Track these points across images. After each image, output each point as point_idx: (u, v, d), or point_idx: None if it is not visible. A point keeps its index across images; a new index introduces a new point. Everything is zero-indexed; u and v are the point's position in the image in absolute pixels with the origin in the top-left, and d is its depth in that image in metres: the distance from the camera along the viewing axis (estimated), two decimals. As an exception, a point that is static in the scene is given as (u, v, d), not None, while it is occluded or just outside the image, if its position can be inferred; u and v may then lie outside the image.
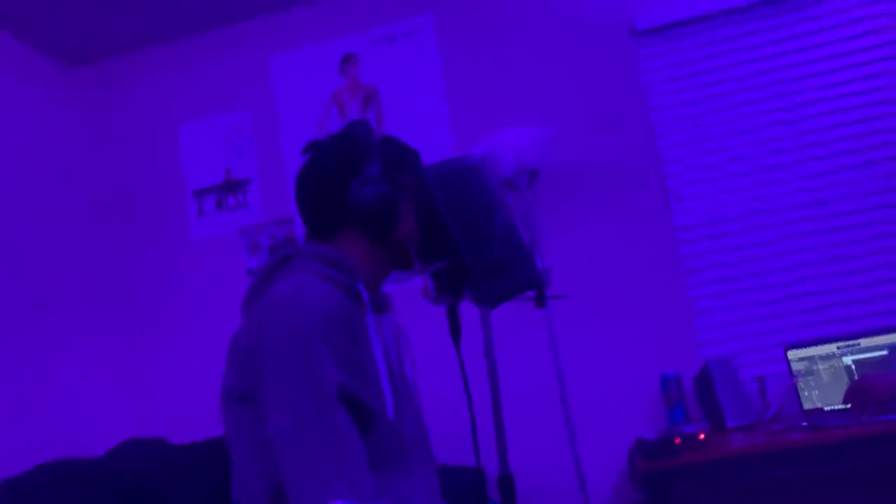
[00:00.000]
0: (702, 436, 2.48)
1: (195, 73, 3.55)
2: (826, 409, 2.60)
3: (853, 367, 2.62)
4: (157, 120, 3.57)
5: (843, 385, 2.56)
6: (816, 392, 2.64)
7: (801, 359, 2.67)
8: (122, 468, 2.28)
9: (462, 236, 1.36)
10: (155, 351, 3.37)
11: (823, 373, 2.64)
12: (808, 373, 2.65)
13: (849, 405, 2.20)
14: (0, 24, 3.19)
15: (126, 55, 3.64)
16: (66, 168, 3.49)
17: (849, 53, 2.96)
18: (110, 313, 3.48)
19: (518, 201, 2.89)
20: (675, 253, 3.00)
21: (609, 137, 3.10)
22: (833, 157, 2.93)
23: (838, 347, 2.65)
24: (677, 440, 2.46)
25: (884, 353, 2.60)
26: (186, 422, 2.55)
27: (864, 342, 2.63)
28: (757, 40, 3.03)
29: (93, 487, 2.13)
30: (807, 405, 2.63)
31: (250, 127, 3.45)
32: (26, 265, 3.13)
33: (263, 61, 3.47)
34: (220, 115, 3.49)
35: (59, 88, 3.57)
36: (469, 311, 1.48)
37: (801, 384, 2.65)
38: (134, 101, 3.61)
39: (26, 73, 3.38)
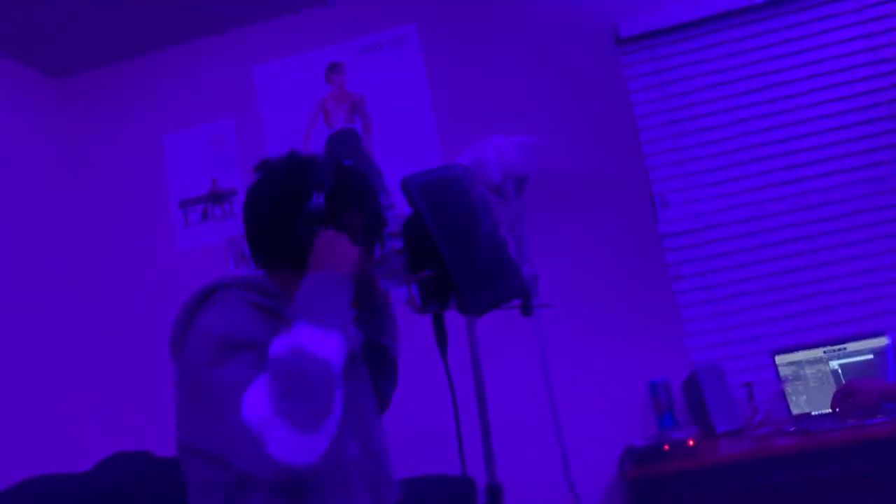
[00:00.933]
0: (691, 442, 2.48)
1: (179, 82, 3.54)
2: (814, 413, 2.60)
3: (840, 371, 2.62)
4: (141, 130, 3.55)
5: (830, 389, 2.56)
6: (804, 397, 2.64)
7: (789, 364, 2.68)
8: (106, 483, 2.27)
9: (447, 245, 1.35)
10: (143, 362, 3.34)
11: (811, 377, 2.65)
12: (796, 378, 2.66)
13: (836, 409, 2.20)
14: (-19, 35, 3.17)
15: (109, 65, 3.62)
16: (49, 180, 3.46)
17: (829, 59, 2.97)
18: (98, 326, 3.45)
19: (504, 209, 2.88)
20: (661, 260, 3.00)
21: (594, 144, 3.10)
22: (816, 163, 2.95)
23: (825, 352, 2.66)
24: (666, 447, 2.46)
25: (869, 357, 2.61)
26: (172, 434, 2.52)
27: (850, 346, 2.64)
28: (739, 47, 3.05)
29: (71, 500, 2.11)
30: (795, 410, 2.63)
31: (235, 136, 3.44)
32: (8, 279, 3.10)
33: (247, 70, 3.46)
34: (204, 125, 3.48)
35: (42, 99, 3.55)
36: (455, 320, 1.47)
37: (788, 389, 2.66)
38: (117, 112, 3.59)
39: (8, 84, 3.35)
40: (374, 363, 1.62)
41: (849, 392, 2.21)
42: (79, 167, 3.59)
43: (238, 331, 1.27)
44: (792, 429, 2.49)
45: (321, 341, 1.22)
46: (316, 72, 3.39)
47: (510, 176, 2.84)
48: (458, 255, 1.36)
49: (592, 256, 3.04)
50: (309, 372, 1.18)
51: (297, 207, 1.38)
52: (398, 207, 3.12)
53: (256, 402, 1.15)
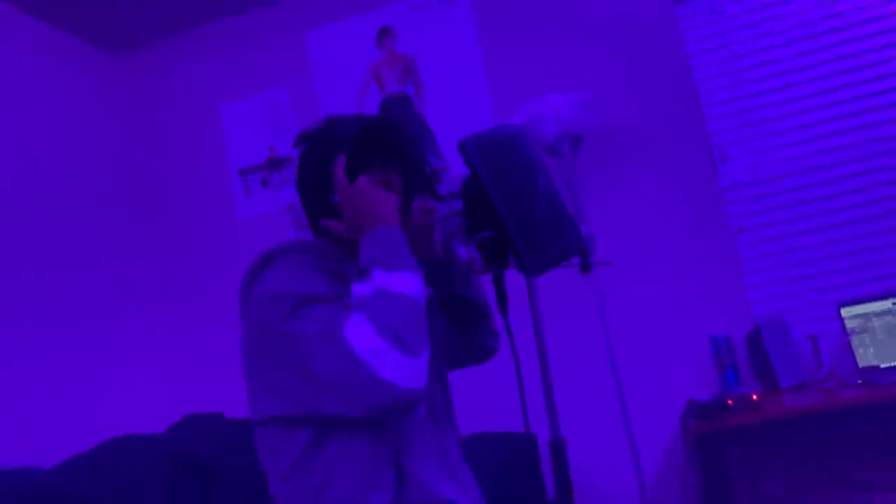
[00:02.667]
0: (754, 396, 2.46)
1: (234, 53, 3.58)
2: (882, 366, 2.55)
3: (909, 322, 2.56)
4: (199, 102, 3.61)
5: (899, 341, 2.52)
6: (871, 349, 2.59)
7: (855, 316, 2.62)
8: (180, 443, 2.36)
9: (505, 206, 1.36)
10: (209, 328, 3.44)
11: (878, 329, 2.60)
12: (863, 330, 2.61)
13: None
14: (40, 15, 3.25)
15: (164, 40, 3.68)
16: (111, 155, 3.56)
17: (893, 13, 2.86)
18: (164, 295, 3.56)
19: (560, 168, 2.87)
20: (722, 213, 2.96)
21: (651, 100, 3.05)
22: (876, 110, 2.85)
23: (893, 303, 2.60)
24: (730, 401, 2.45)
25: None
26: (241, 397, 2.62)
27: (920, 297, 2.57)
28: (801, -8, 2.95)
29: (153, 462, 2.21)
30: (862, 363, 2.59)
31: (290, 104, 3.48)
32: (78, 252, 3.21)
33: (299, 38, 3.48)
34: (260, 94, 3.52)
35: (101, 75, 3.64)
36: (516, 279, 1.48)
37: (855, 341, 2.61)
38: (175, 85, 3.66)
39: (68, 62, 3.44)
40: (463, 318, 1.63)
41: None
42: (139, 141, 3.68)
43: (308, 287, 1.30)
44: (859, 381, 2.45)
45: (401, 281, 1.26)
46: (367, 36, 3.39)
47: (566, 134, 2.82)
48: (517, 216, 1.37)
49: (651, 213, 3.01)
50: (401, 307, 1.24)
51: (326, 171, 1.40)
52: (453, 169, 3.15)
53: (361, 335, 1.19)
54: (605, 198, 3.04)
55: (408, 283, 1.27)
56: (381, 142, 1.45)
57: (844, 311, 2.64)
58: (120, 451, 2.19)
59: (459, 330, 1.63)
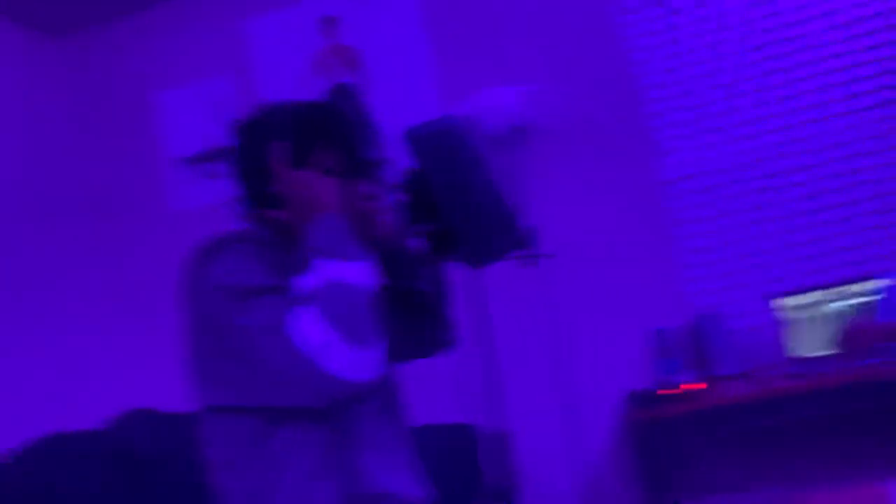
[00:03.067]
0: (692, 386, 2.52)
1: (173, 40, 3.50)
2: (813, 356, 2.63)
3: (840, 314, 2.65)
4: (138, 89, 3.53)
5: (829, 332, 2.60)
6: (803, 340, 2.67)
7: (789, 307, 2.70)
8: (119, 439, 2.31)
9: (448, 197, 1.35)
10: (146, 321, 3.36)
11: (810, 321, 2.68)
12: (796, 321, 2.69)
13: (840, 350, 2.23)
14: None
15: (104, 25, 3.58)
16: (46, 140, 3.45)
17: (836, 8, 2.93)
18: (98, 286, 3.47)
19: (505, 160, 2.87)
20: (661, 207, 3.01)
21: (595, 92, 3.08)
22: (816, 107, 2.93)
23: (824, 295, 2.68)
24: (669, 391, 2.50)
25: (868, 299, 2.63)
26: (180, 391, 2.57)
27: (848, 289, 2.66)
28: (740, -10, 3.01)
29: (90, 457, 2.15)
30: (794, 353, 2.67)
31: (230, 93, 3.41)
32: (11, 240, 3.10)
33: (239, 24, 3.42)
34: (199, 82, 3.45)
35: (38, 59, 3.52)
36: (461, 271, 1.48)
37: (788, 332, 2.69)
38: (113, 71, 3.56)
39: (4, 45, 3.32)
40: (415, 311, 1.58)
41: (851, 332, 2.24)
42: (75, 126, 3.57)
43: (252, 278, 1.28)
44: (791, 371, 2.53)
45: (350, 271, 1.24)
46: (310, 25, 3.35)
47: (510, 127, 2.83)
48: (460, 208, 1.37)
49: (594, 205, 3.05)
50: (349, 297, 1.22)
51: (262, 160, 1.38)
52: (398, 161, 3.13)
53: (307, 329, 1.18)
54: (549, 190, 3.06)
55: (357, 273, 1.25)
56: (318, 126, 1.43)
57: (778, 303, 2.71)
58: (57, 446, 2.13)
59: (410, 322, 1.60)
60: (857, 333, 2.24)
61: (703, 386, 2.53)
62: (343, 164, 1.42)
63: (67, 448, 2.13)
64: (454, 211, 1.35)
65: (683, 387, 2.52)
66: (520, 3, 3.16)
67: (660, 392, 2.53)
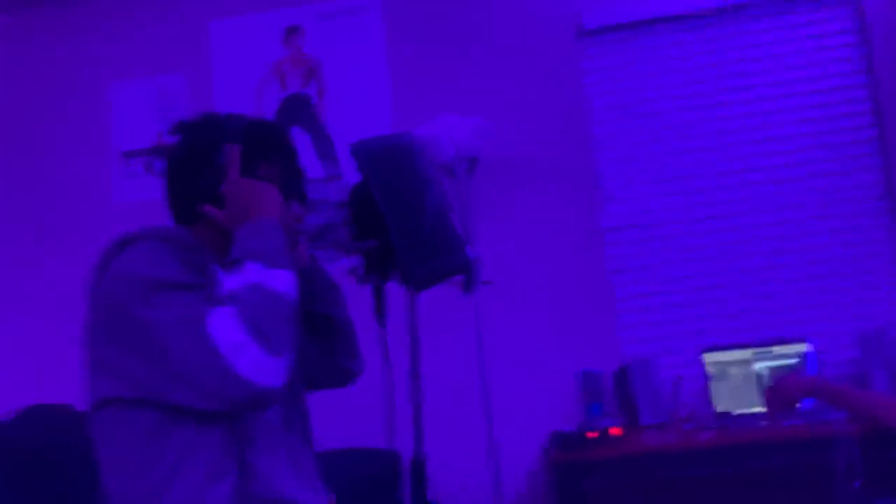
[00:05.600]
0: (616, 431, 2.53)
1: (131, 31, 3.43)
2: (736, 412, 2.67)
3: (764, 373, 2.70)
4: (89, 77, 3.43)
5: (753, 389, 2.65)
6: (728, 395, 2.71)
7: (716, 362, 2.74)
8: (22, 435, 2.21)
9: (392, 216, 1.34)
10: (69, 316, 3.25)
11: (736, 377, 2.72)
12: (722, 376, 2.73)
13: (764, 408, 2.28)
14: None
15: (54, 3, 3.48)
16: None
17: (782, 69, 3.04)
18: (26, 274, 3.35)
19: (454, 188, 2.88)
20: (602, 252, 3.04)
21: (548, 133, 3.11)
22: (758, 171, 3.01)
23: (752, 353, 2.73)
24: (592, 434, 2.50)
25: (793, 361, 2.69)
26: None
27: (775, 350, 2.72)
28: (697, 49, 3.09)
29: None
30: (718, 407, 2.70)
31: (185, 91, 3.35)
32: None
33: (203, 25, 3.37)
34: (154, 77, 3.39)
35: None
36: (396, 292, 1.46)
37: (714, 387, 2.73)
38: (66, 54, 3.47)
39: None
40: (322, 335, 1.59)
41: (775, 388, 2.28)
42: (18, 107, 3.46)
43: (166, 273, 1.25)
44: (714, 425, 2.56)
45: (275, 278, 1.24)
46: (274, 33, 3.32)
47: (462, 156, 2.84)
48: (404, 227, 1.35)
49: (536, 243, 3.06)
50: (271, 303, 1.21)
51: (211, 160, 1.38)
52: (346, 177, 3.11)
53: (225, 328, 1.17)
54: (494, 222, 3.07)
55: (283, 281, 1.24)
56: (270, 140, 1.44)
57: (707, 357, 2.75)
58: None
59: (320, 349, 1.59)
60: (780, 392, 2.29)
61: (622, 432, 2.54)
62: (281, 182, 1.42)
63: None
64: (396, 229, 1.34)
65: (608, 432, 2.52)
66: (484, 37, 3.19)
67: (583, 435, 2.53)
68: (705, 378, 2.74)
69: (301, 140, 3.23)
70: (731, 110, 3.05)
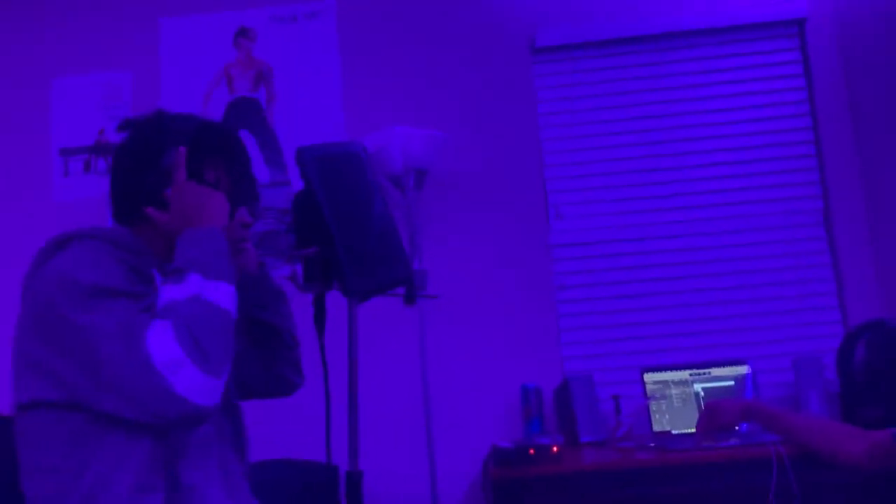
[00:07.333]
0: (555, 448, 2.52)
1: (77, 25, 3.34)
2: (674, 432, 2.70)
3: (702, 394, 2.74)
4: (29, 70, 3.33)
5: (691, 410, 2.68)
6: (667, 415, 2.74)
7: (656, 382, 2.77)
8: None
9: (336, 223, 1.32)
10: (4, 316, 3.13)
11: (675, 397, 2.75)
12: (661, 396, 2.75)
13: (700, 429, 2.31)
14: None
15: (1, -5, 3.39)
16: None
17: (729, 96, 3.10)
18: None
19: (403, 199, 2.87)
20: (548, 269, 3.05)
21: (498, 148, 3.12)
22: (702, 193, 3.07)
23: (690, 374, 2.76)
24: (531, 451, 2.50)
25: (731, 383, 2.73)
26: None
27: (714, 371, 2.76)
28: (649, 71, 3.14)
29: None
30: (657, 427, 2.73)
31: (130, 89, 3.28)
32: None
33: (153, 22, 3.30)
34: (99, 73, 3.30)
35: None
36: (338, 302, 1.44)
37: (653, 406, 2.75)
38: (4, 47, 3.36)
39: None
40: (264, 343, 1.57)
41: (711, 411, 2.31)
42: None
43: (105, 278, 1.22)
44: (652, 445, 2.58)
45: (216, 291, 1.22)
46: (225, 34, 3.27)
47: (411, 168, 2.83)
48: (347, 235, 1.33)
49: (482, 257, 3.06)
50: (211, 319, 1.19)
51: (157, 161, 1.35)
52: (294, 184, 3.06)
53: (163, 345, 1.14)
54: (442, 235, 3.06)
55: (223, 295, 1.22)
56: (219, 143, 1.41)
57: (647, 377, 2.78)
58: None
59: (260, 357, 1.57)
60: (716, 415, 2.32)
61: (560, 450, 2.54)
62: (229, 187, 1.41)
63: None
64: (339, 237, 1.31)
65: (546, 448, 2.52)
66: (438, 50, 3.19)
67: (522, 451, 2.52)
68: (645, 397, 2.77)
69: (249, 144, 3.17)
70: (678, 133, 3.10)
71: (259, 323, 1.55)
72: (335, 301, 1.44)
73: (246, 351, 1.54)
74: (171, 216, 1.32)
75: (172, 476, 1.25)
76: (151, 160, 1.36)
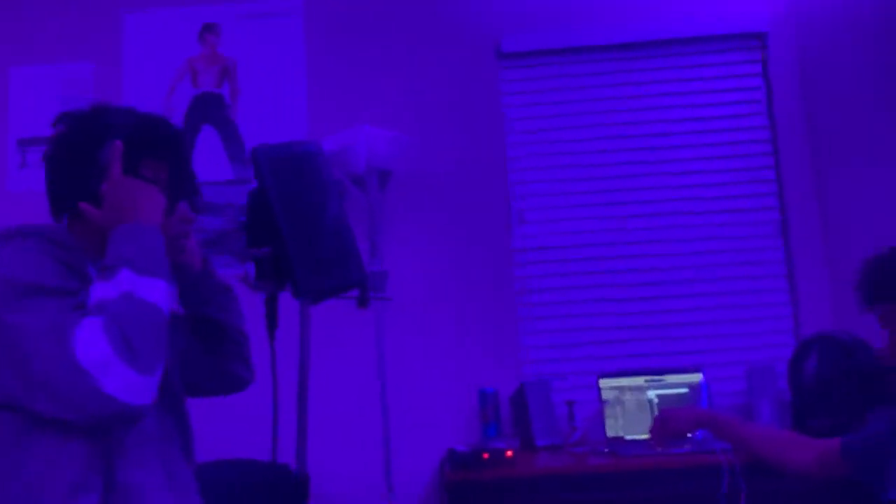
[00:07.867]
0: (510, 452, 2.54)
1: (38, 14, 3.28)
2: (628, 437, 2.73)
3: (656, 400, 2.77)
4: (-13, 56, 3.27)
5: (645, 416, 2.71)
6: (621, 421, 2.76)
7: (611, 388, 2.79)
8: None
9: (289, 223, 1.31)
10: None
11: (629, 403, 2.78)
12: (616, 402, 2.78)
13: (654, 436, 2.33)
14: None
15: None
16: None
17: (694, 106, 3.14)
18: None
19: (365, 200, 2.86)
20: (509, 273, 3.06)
21: (462, 152, 3.13)
22: (661, 202, 3.10)
23: (645, 381, 2.79)
24: (486, 454, 2.51)
25: (685, 391, 2.76)
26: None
27: (668, 378, 2.79)
28: (613, 79, 3.17)
29: None
30: (610, 432, 2.75)
31: (92, 81, 3.23)
32: None
33: (116, 14, 3.26)
34: (59, 64, 3.25)
35: None
36: (291, 303, 1.43)
37: (607, 412, 2.77)
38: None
39: None
40: (211, 339, 1.55)
41: (664, 419, 2.33)
42: None
43: (38, 276, 1.20)
44: (606, 450, 2.60)
45: (149, 288, 1.20)
46: (190, 29, 3.24)
47: (375, 168, 2.82)
48: (300, 236, 1.32)
49: (443, 260, 3.06)
50: (142, 316, 1.17)
51: (93, 156, 1.33)
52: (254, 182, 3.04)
53: (91, 343, 1.12)
54: (404, 236, 3.06)
55: (156, 292, 1.21)
56: (154, 138, 1.39)
57: (602, 382, 2.80)
58: None
59: (208, 353, 1.55)
60: (669, 423, 2.34)
61: (515, 454, 2.55)
62: (168, 183, 1.39)
63: None
64: (292, 238, 1.30)
65: (501, 452, 2.53)
66: (405, 50, 3.19)
67: (477, 454, 2.53)
68: (600, 402, 2.79)
69: (212, 140, 3.15)
70: (639, 142, 3.13)
71: (204, 319, 1.54)
72: (291, 301, 1.43)
73: (192, 348, 1.53)
74: (105, 212, 1.30)
75: (111, 476, 1.23)
76: (88, 155, 1.34)
